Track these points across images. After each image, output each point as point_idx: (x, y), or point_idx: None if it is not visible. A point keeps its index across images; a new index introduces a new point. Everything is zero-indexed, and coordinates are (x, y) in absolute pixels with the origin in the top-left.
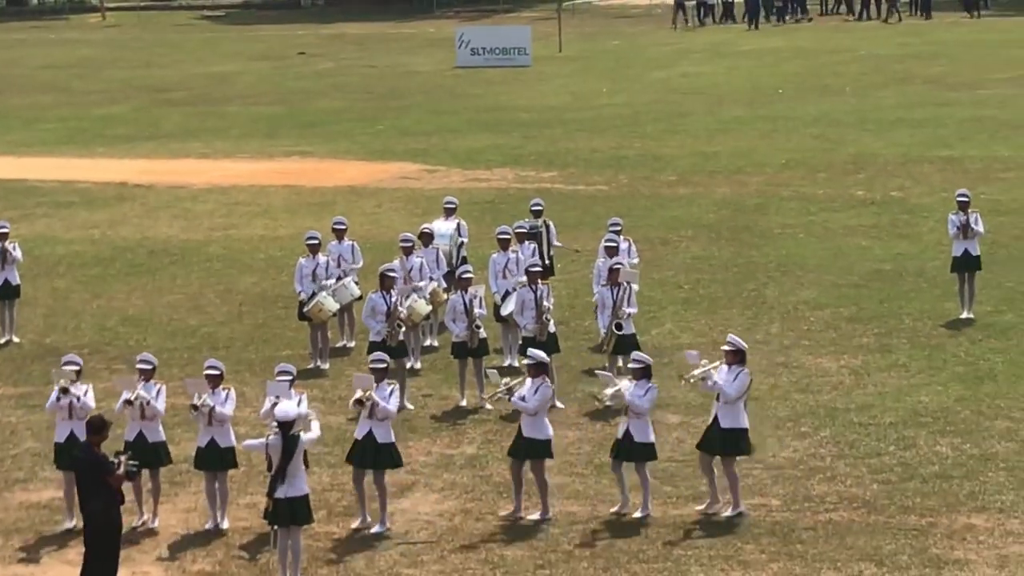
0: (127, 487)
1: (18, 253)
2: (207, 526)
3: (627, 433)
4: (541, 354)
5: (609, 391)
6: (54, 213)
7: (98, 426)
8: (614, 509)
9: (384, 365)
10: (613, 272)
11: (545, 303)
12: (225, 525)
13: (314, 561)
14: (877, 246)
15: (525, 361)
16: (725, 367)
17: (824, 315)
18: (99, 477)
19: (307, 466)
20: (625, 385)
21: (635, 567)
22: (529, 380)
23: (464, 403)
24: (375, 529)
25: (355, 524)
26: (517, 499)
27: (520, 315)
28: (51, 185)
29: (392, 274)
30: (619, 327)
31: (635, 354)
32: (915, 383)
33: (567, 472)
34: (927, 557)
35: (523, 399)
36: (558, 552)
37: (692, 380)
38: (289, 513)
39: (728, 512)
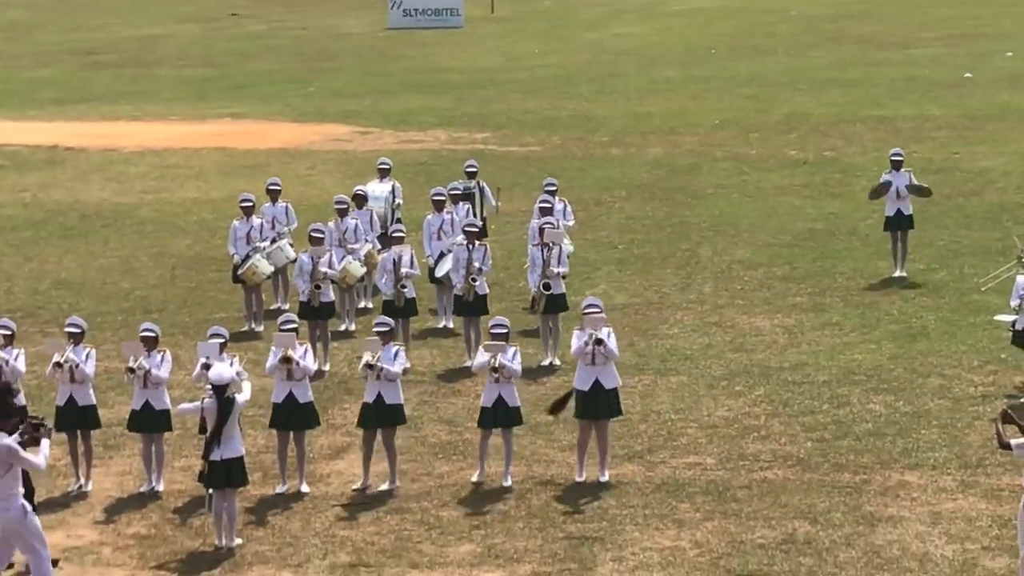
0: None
1: None
2: (142, 489)
3: (499, 399)
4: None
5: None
6: None
7: (2, 391)
8: (476, 479)
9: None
10: (542, 231)
11: (476, 264)
12: (160, 488)
13: (249, 523)
14: (810, 205)
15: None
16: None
17: (757, 274)
18: None
19: (241, 429)
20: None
21: (570, 527)
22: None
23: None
24: (304, 488)
25: (279, 489)
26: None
27: (455, 273)
28: None
29: (318, 235)
30: (547, 287)
31: (497, 318)
32: (848, 341)
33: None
34: (861, 514)
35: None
36: (494, 512)
37: (596, 342)
38: (224, 475)
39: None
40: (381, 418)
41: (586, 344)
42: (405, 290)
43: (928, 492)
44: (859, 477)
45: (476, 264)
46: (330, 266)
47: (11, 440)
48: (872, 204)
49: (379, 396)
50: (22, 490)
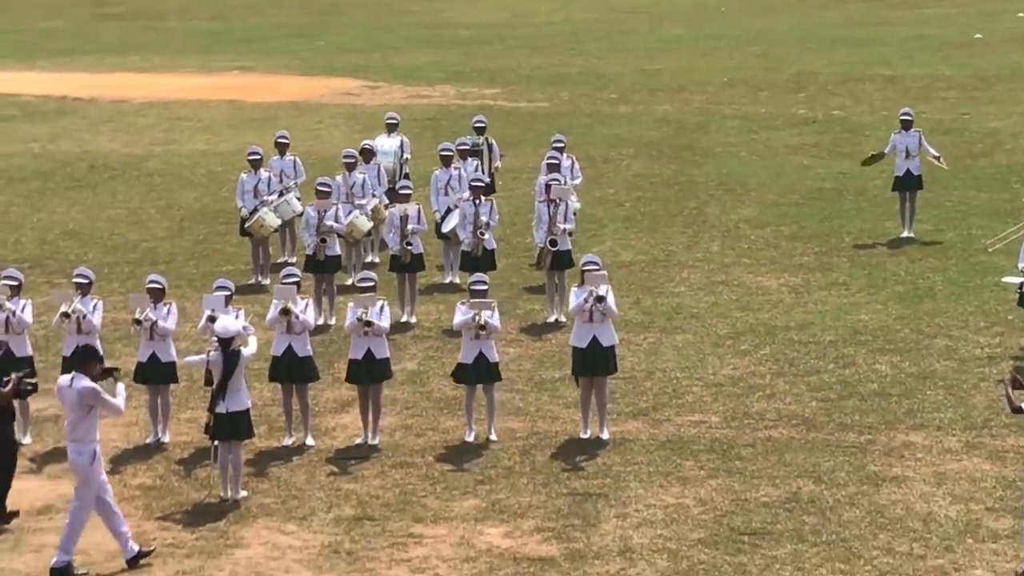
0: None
1: None
2: (148, 440)
3: (480, 355)
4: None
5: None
6: None
7: None
8: (469, 438)
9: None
10: (548, 188)
11: (483, 218)
12: (166, 439)
13: (255, 476)
14: (818, 165)
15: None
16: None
17: (765, 233)
18: None
19: (247, 382)
20: (485, 313)
21: (575, 483)
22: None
23: (404, 318)
24: (308, 441)
25: (284, 442)
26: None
27: (462, 229)
28: None
29: (325, 189)
30: (554, 243)
31: (477, 275)
32: (855, 301)
33: (507, 389)
34: (865, 474)
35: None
36: (498, 468)
37: (596, 299)
38: (230, 428)
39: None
40: (372, 374)
41: (586, 301)
42: (411, 247)
43: (933, 453)
44: (864, 437)
45: (484, 219)
46: (336, 220)
47: (95, 384)
48: (881, 164)
49: (368, 351)
50: (98, 435)
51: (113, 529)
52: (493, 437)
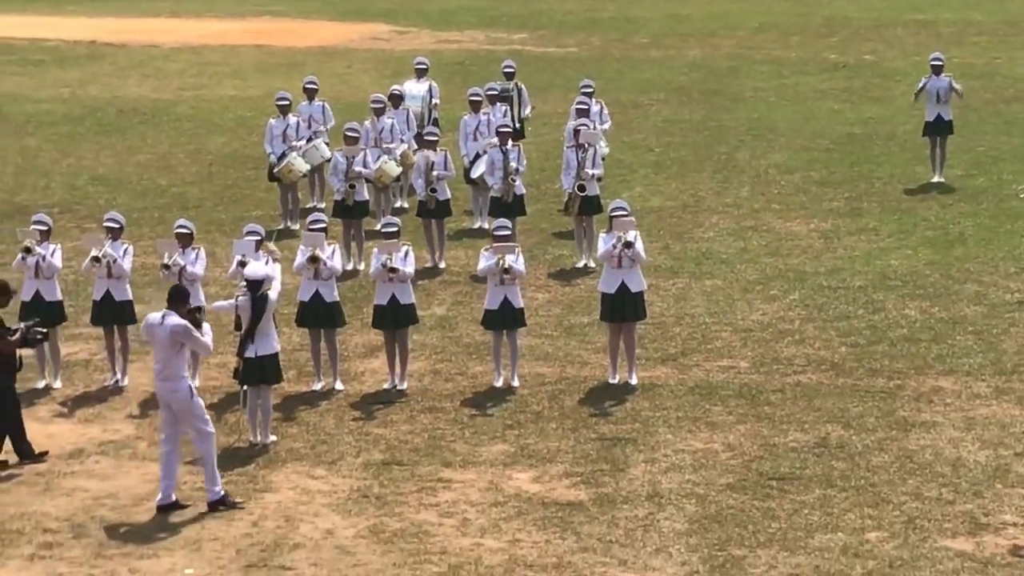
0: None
1: None
2: None
3: (505, 301)
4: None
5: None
6: (23, 71)
7: None
8: (498, 383)
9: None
10: (577, 133)
11: (513, 164)
12: (196, 384)
13: (284, 420)
14: (849, 110)
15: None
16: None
17: (794, 179)
18: None
19: (277, 327)
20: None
21: (603, 428)
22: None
23: (432, 264)
24: (338, 386)
25: (314, 387)
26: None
27: (490, 175)
28: (20, 43)
29: (353, 134)
30: (582, 188)
31: (500, 220)
32: (885, 247)
33: (536, 334)
34: (894, 419)
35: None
36: (527, 413)
37: (624, 245)
38: (259, 372)
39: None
40: (397, 319)
41: (614, 247)
42: (436, 193)
43: (962, 398)
44: (893, 382)
45: (513, 164)
46: (365, 166)
47: (185, 321)
48: (911, 109)
49: (393, 297)
50: (189, 372)
51: (166, 468)
52: (516, 383)
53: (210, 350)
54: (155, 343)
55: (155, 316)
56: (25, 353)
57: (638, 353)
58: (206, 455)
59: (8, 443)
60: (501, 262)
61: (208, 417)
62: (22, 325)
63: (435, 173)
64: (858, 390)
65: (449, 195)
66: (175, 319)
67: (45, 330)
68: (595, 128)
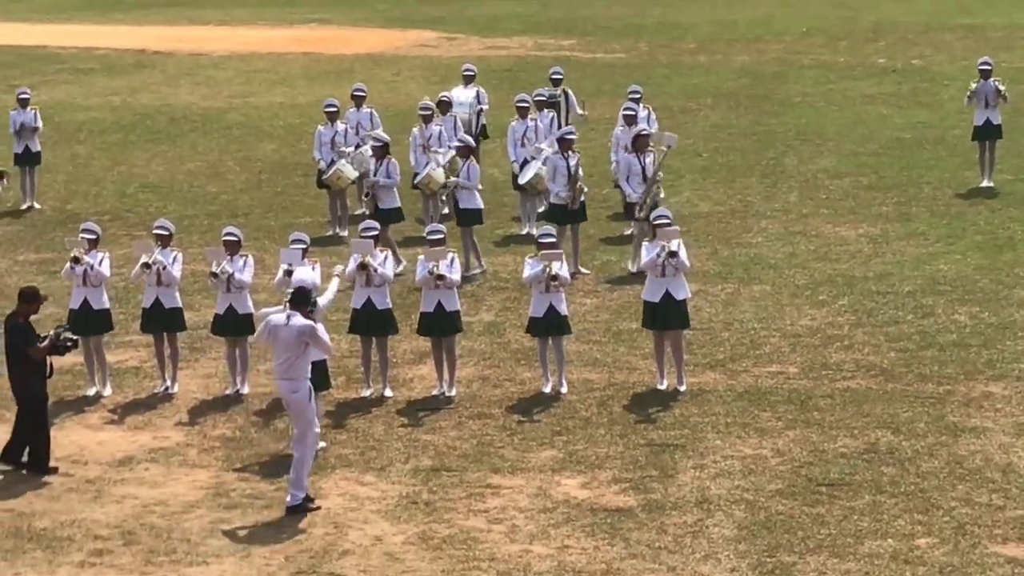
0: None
1: (38, 120)
2: (227, 392)
3: (551, 308)
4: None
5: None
6: (74, 80)
7: (28, 297)
8: (546, 390)
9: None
10: (640, 139)
11: (579, 171)
12: (245, 391)
13: (333, 427)
14: (897, 114)
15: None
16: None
17: (843, 184)
18: (21, 347)
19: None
20: (555, 265)
21: (652, 434)
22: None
23: (477, 269)
24: (387, 393)
25: (363, 393)
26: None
27: (552, 182)
28: (71, 52)
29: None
30: (652, 195)
31: (545, 227)
32: (934, 252)
33: (585, 340)
34: (944, 424)
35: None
36: (575, 419)
37: (669, 254)
38: None
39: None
40: (443, 326)
41: (658, 256)
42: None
43: (1012, 403)
44: (943, 387)
45: (579, 172)
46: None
47: (311, 322)
48: (960, 113)
49: (439, 304)
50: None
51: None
52: (564, 389)
53: (331, 351)
54: (278, 343)
55: (279, 317)
56: (73, 360)
57: (686, 359)
58: (303, 458)
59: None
60: (548, 269)
61: (318, 423)
62: (52, 332)
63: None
64: (907, 395)
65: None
66: (300, 319)
67: (76, 338)
68: (650, 130)
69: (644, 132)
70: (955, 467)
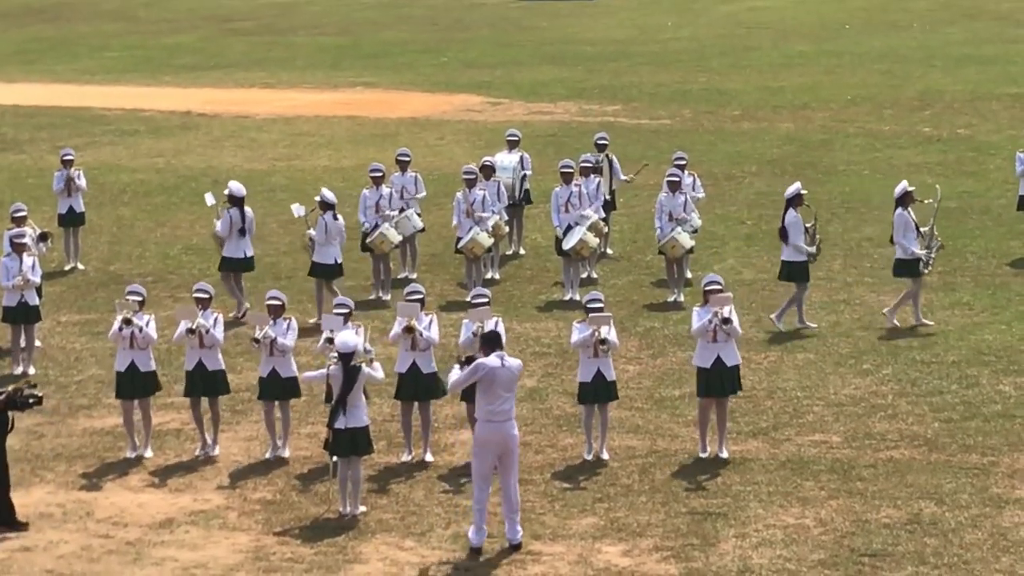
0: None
1: (83, 181)
2: (268, 455)
3: (599, 373)
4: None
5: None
6: (119, 141)
7: None
8: (588, 456)
9: (421, 296)
10: (906, 196)
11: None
12: (286, 454)
13: (374, 492)
14: (943, 184)
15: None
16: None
17: (887, 252)
18: None
19: (367, 397)
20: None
21: (694, 502)
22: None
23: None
24: (428, 458)
25: (403, 458)
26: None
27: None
28: (116, 113)
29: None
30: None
31: (593, 293)
32: (978, 321)
33: (627, 407)
34: (988, 496)
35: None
36: (617, 486)
37: (722, 320)
38: (350, 443)
39: (725, 453)
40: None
41: (710, 322)
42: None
43: None
44: (987, 459)
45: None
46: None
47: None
48: (1006, 183)
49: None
50: None
51: (484, 514)
52: (605, 455)
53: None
54: (498, 385)
55: (493, 360)
56: (115, 422)
57: (729, 427)
58: (516, 493)
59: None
60: (597, 334)
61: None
62: (11, 387)
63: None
64: (951, 466)
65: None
66: (512, 359)
67: (40, 395)
68: (686, 200)
69: (910, 189)
70: (999, 539)
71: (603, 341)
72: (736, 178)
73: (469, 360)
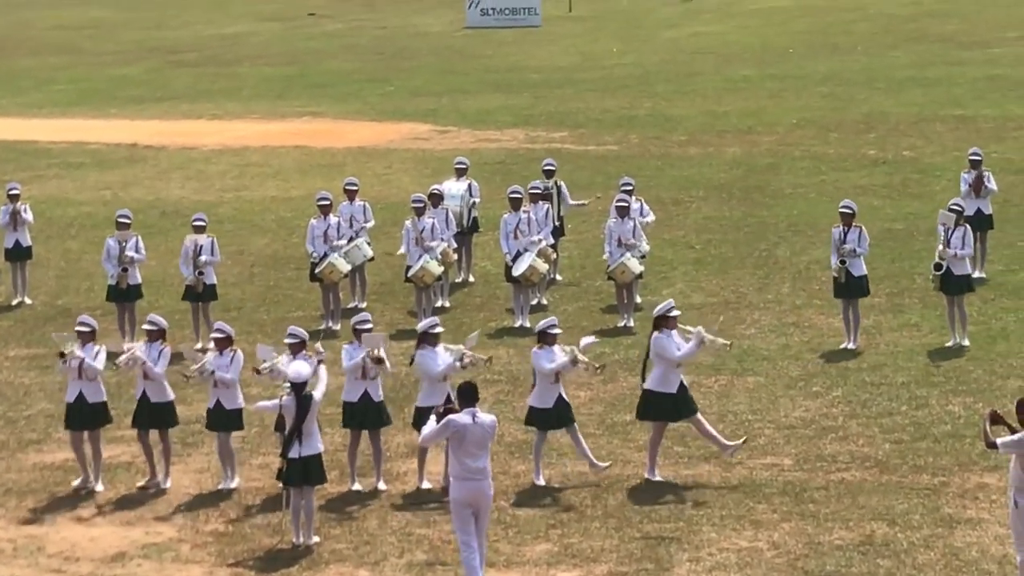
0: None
1: (29, 215)
2: (219, 486)
3: (559, 398)
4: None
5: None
6: (65, 174)
7: None
8: (540, 482)
9: (369, 325)
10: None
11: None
12: (233, 484)
13: (327, 521)
14: (889, 205)
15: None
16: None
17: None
18: None
19: (320, 427)
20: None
21: (647, 527)
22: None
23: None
24: (381, 486)
25: (355, 487)
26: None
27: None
28: (62, 146)
29: (125, 220)
30: (939, 267)
31: (551, 319)
32: (927, 342)
33: (580, 432)
34: (939, 516)
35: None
36: (571, 512)
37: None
38: (303, 473)
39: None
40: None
41: (697, 347)
42: (203, 276)
43: (1007, 494)
44: (938, 479)
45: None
46: (137, 251)
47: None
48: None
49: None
50: None
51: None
52: (604, 465)
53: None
54: (470, 443)
55: (463, 417)
56: (66, 456)
57: (680, 451)
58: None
59: None
60: (573, 353)
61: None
62: None
63: (202, 258)
64: (902, 487)
65: (215, 280)
66: (486, 415)
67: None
68: (635, 225)
69: (953, 207)
70: (951, 559)
71: (574, 361)
72: (684, 203)
73: (448, 411)
